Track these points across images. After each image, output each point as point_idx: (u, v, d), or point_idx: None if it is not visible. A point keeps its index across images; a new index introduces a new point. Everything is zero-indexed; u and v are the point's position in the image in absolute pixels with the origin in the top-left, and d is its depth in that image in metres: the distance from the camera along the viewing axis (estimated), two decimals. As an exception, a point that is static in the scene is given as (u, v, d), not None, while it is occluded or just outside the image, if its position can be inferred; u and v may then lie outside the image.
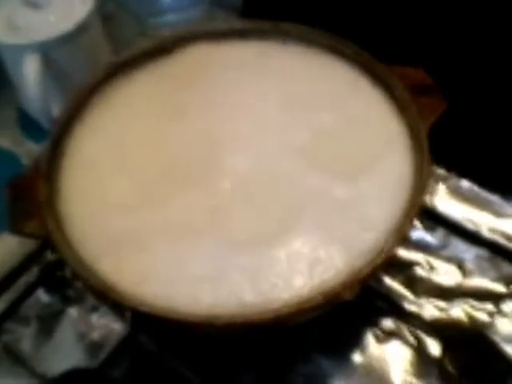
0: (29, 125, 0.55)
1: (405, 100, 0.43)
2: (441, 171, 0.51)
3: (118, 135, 0.44)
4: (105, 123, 0.45)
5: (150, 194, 0.41)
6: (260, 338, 0.40)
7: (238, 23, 0.50)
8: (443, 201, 0.50)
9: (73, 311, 0.46)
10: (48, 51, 0.50)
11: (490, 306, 0.44)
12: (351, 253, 0.37)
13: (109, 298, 0.36)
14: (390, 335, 0.44)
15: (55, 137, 0.43)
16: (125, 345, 0.44)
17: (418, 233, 0.48)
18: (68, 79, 0.52)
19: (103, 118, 0.45)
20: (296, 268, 0.37)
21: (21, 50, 0.50)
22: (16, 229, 0.39)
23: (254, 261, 0.37)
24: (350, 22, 0.54)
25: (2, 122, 0.57)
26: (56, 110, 0.50)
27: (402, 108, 0.43)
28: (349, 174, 0.41)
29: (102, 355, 0.43)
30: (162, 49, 0.48)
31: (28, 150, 0.54)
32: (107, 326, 0.45)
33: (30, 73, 0.49)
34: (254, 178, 0.41)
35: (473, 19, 0.52)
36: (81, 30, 0.51)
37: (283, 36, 0.48)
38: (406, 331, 0.44)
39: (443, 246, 0.48)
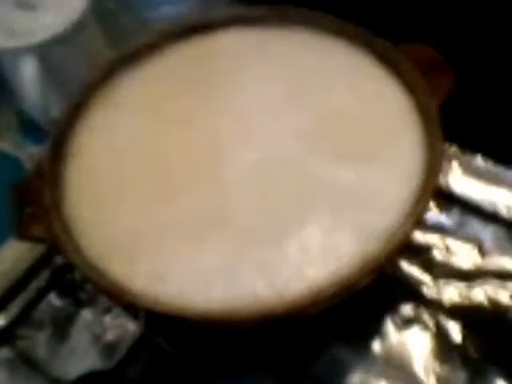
0: (30, 128, 0.55)
1: (412, 77, 0.42)
2: (454, 149, 0.49)
3: (121, 134, 0.43)
4: (107, 122, 0.44)
5: (158, 191, 0.40)
6: (277, 330, 0.39)
7: (238, 10, 0.49)
8: (457, 179, 0.48)
9: (86, 313, 0.45)
10: (45, 52, 0.49)
11: (511, 286, 0.43)
12: (364, 238, 0.36)
13: (121, 299, 0.36)
14: (409, 321, 0.43)
15: (56, 138, 0.42)
16: (139, 345, 0.43)
17: (433, 214, 0.47)
18: (67, 79, 0.51)
19: (105, 116, 0.44)
20: (309, 258, 0.36)
21: (17, 53, 0.49)
22: (22, 233, 0.39)
23: (266, 253, 0.36)
24: (356, 2, 0.53)
25: (3, 125, 0.57)
26: (56, 110, 0.50)
27: (410, 86, 0.42)
28: (358, 158, 0.40)
29: (118, 356, 0.43)
30: (161, 42, 0.47)
31: (30, 154, 0.53)
32: (121, 327, 0.44)
33: (27, 75, 0.49)
34: (262, 168, 0.40)
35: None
36: (77, 28, 0.50)
37: (284, 20, 0.47)
38: (425, 317, 0.43)
39: (459, 226, 0.46)
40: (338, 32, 0.45)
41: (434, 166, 0.38)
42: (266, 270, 0.36)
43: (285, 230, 0.37)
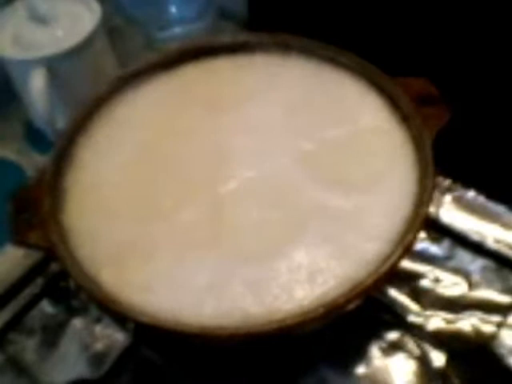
0: (36, 137, 0.56)
1: (408, 110, 0.43)
2: (446, 182, 0.51)
3: (123, 148, 0.44)
4: (110, 136, 0.45)
5: (155, 206, 0.41)
6: (264, 349, 0.40)
7: (241, 36, 0.50)
8: (449, 212, 0.49)
9: (77, 322, 0.46)
10: (54, 65, 0.51)
11: (496, 319, 0.44)
12: (353, 264, 0.37)
13: (111, 310, 0.36)
14: (394, 347, 0.43)
15: (60, 149, 0.43)
16: (128, 355, 0.44)
17: (424, 244, 0.48)
18: (74, 93, 0.52)
19: (108, 131, 0.45)
20: (298, 279, 0.37)
21: (27, 64, 0.50)
22: (19, 240, 0.39)
23: (256, 272, 0.37)
24: (355, 33, 0.54)
25: (9, 134, 0.58)
26: (62, 122, 0.51)
27: (406, 118, 0.43)
28: (352, 186, 0.41)
29: (106, 366, 0.44)
30: (168, 62, 0.48)
31: (35, 162, 0.54)
32: (111, 337, 0.45)
33: (36, 87, 0.50)
34: (258, 191, 0.41)
35: (476, 28, 0.52)
36: (87, 44, 0.51)
37: (286, 48, 0.48)
38: (410, 343, 0.43)
39: (449, 257, 0.47)
40: (338, 62, 0.47)
41: (424, 197, 0.39)
42: (255, 288, 0.36)
43: (276, 250, 0.38)
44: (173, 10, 0.64)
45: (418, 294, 0.45)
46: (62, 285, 0.47)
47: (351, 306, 0.36)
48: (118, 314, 0.36)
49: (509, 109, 0.52)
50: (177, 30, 0.63)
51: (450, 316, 0.44)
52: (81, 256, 0.39)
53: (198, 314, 0.36)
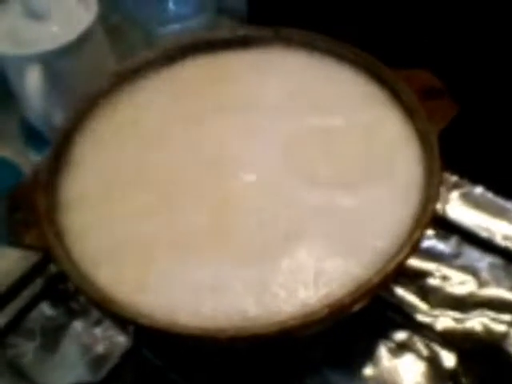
0: (32, 135, 0.55)
1: (413, 104, 0.42)
2: (453, 178, 0.50)
3: (120, 145, 0.44)
4: (108, 133, 0.44)
5: (153, 206, 0.40)
6: (266, 351, 0.39)
7: (240, 31, 0.49)
8: (456, 208, 0.48)
9: (77, 324, 0.45)
10: (50, 62, 0.50)
11: (506, 317, 0.43)
12: (359, 262, 0.36)
13: (109, 311, 0.35)
14: (402, 347, 0.42)
15: (56, 147, 0.42)
16: (128, 358, 0.43)
17: (431, 241, 0.47)
18: (71, 90, 0.51)
19: (106, 129, 0.44)
20: (301, 279, 0.36)
21: (23, 61, 0.50)
22: (15, 240, 0.39)
23: (257, 273, 0.36)
24: (356, 26, 0.53)
25: (6, 132, 0.57)
26: (58, 120, 0.50)
27: (410, 112, 0.42)
28: (355, 182, 0.40)
29: (106, 369, 0.43)
30: (166, 58, 0.48)
31: (31, 161, 0.53)
32: (111, 340, 0.44)
33: (31, 84, 0.49)
34: (259, 189, 0.40)
35: (483, 21, 0.51)
36: (83, 40, 0.50)
37: (286, 42, 0.47)
38: (419, 343, 0.42)
39: (457, 254, 0.46)
40: (340, 55, 0.46)
41: (431, 193, 0.38)
42: (256, 288, 0.35)
43: (279, 251, 0.37)
44: (171, 6, 0.63)
45: (426, 293, 0.44)
46: (62, 287, 0.46)
47: (357, 307, 0.35)
48: (114, 314, 0.35)
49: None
50: (176, 26, 0.62)
51: (459, 315, 0.43)
52: (77, 256, 0.38)
53: (197, 315, 0.35)
